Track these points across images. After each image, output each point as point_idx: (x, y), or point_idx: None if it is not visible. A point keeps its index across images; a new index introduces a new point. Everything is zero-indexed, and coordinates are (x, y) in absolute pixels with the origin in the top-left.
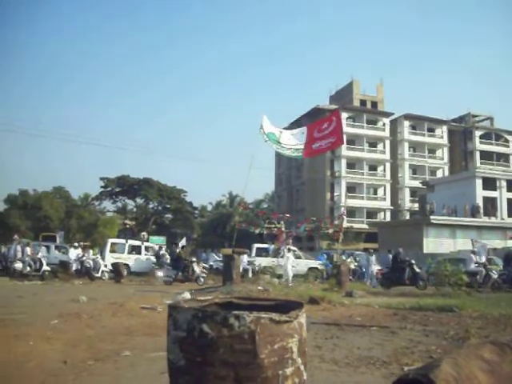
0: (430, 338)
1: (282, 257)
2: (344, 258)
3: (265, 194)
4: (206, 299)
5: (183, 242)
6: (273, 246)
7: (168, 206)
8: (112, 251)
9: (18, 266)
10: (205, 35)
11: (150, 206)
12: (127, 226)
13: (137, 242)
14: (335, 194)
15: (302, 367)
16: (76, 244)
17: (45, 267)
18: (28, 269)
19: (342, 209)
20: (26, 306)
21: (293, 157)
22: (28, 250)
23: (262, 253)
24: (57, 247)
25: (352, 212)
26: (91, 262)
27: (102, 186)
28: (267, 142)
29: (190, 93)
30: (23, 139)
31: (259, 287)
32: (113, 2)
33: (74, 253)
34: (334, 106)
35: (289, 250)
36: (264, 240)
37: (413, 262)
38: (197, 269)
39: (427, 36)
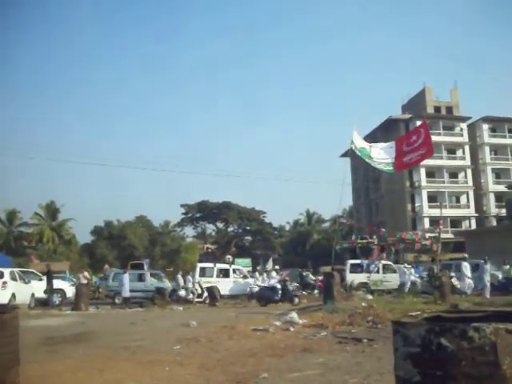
0: None
1: (376, 272)
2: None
3: (342, 210)
4: (414, 315)
5: (270, 263)
6: (366, 261)
7: (248, 228)
8: (201, 275)
9: (182, 293)
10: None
11: (230, 229)
12: (209, 250)
13: (225, 265)
14: (416, 204)
15: None
16: (181, 272)
17: (206, 293)
18: (191, 295)
19: (440, 220)
20: (141, 332)
21: (385, 171)
22: (190, 278)
23: (356, 269)
24: (152, 274)
25: (435, 222)
26: (189, 287)
27: (183, 213)
28: (359, 157)
29: (263, 116)
30: (106, 171)
31: (363, 304)
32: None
33: (180, 280)
34: (407, 116)
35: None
36: (357, 255)
37: None
38: (290, 288)
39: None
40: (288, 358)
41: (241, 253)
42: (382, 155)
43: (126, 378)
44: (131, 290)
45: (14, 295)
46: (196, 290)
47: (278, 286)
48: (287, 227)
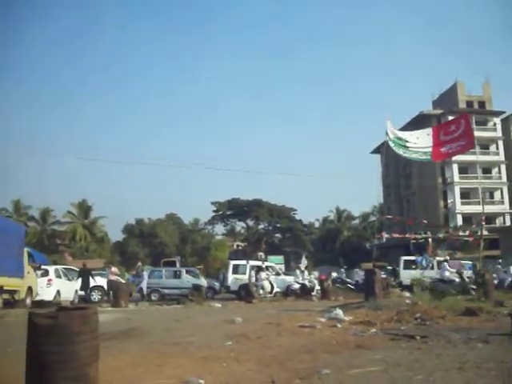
0: None
1: (431, 268)
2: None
3: (372, 207)
4: None
5: (303, 260)
6: (420, 258)
7: (278, 225)
8: (234, 272)
9: (253, 289)
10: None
11: (260, 226)
12: (239, 248)
13: (257, 263)
14: (449, 201)
15: None
16: (256, 268)
17: (276, 289)
18: (261, 291)
19: (481, 215)
20: (188, 328)
21: (421, 159)
22: (262, 274)
23: (410, 265)
24: (187, 271)
25: (468, 219)
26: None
27: (213, 210)
28: (393, 148)
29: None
30: (136, 169)
31: (407, 301)
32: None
33: (252, 276)
34: (438, 111)
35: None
36: (411, 252)
37: None
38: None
39: None
40: (344, 354)
41: (271, 250)
42: (418, 143)
43: (187, 374)
44: (167, 287)
45: (58, 292)
46: (267, 286)
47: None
48: (316, 224)
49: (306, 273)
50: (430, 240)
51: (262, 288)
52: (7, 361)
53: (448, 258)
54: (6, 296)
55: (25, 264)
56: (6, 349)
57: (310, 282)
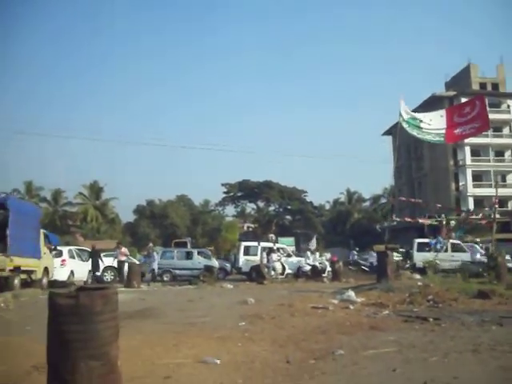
0: None
1: (445, 251)
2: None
3: (383, 189)
4: None
5: (313, 242)
6: (434, 241)
7: (289, 207)
8: (245, 254)
9: (264, 270)
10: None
11: (271, 208)
12: (249, 229)
13: (269, 244)
14: (460, 183)
15: None
16: (267, 250)
17: (287, 271)
18: (272, 273)
19: (494, 198)
20: (202, 309)
21: (434, 141)
22: (274, 256)
23: (424, 248)
24: (199, 252)
25: (480, 201)
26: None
27: (224, 192)
28: (406, 128)
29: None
30: (147, 151)
31: (419, 283)
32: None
33: (264, 257)
34: (451, 93)
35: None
36: (425, 234)
37: None
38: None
39: None
40: (358, 335)
41: (281, 232)
42: (432, 124)
43: (203, 353)
44: (179, 268)
45: (72, 272)
46: (279, 267)
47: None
48: (327, 206)
49: (318, 254)
50: (444, 222)
51: (274, 269)
52: (26, 339)
53: (478, 240)
54: (23, 276)
55: (41, 245)
56: (25, 327)
57: (320, 263)
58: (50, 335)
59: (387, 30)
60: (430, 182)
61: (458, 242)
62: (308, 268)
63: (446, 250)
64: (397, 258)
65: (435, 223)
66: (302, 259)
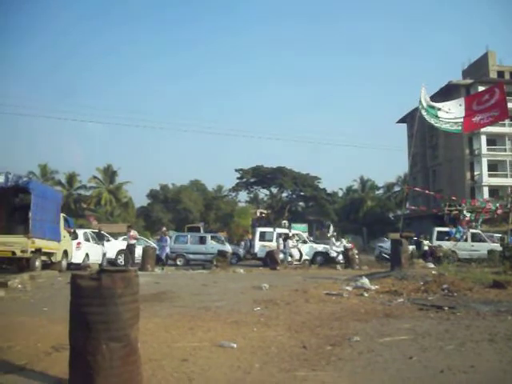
0: None
1: (465, 240)
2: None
3: (397, 177)
4: None
5: (331, 229)
6: (454, 230)
7: (302, 193)
8: (261, 239)
9: (281, 256)
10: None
11: (284, 194)
12: (262, 215)
13: (284, 230)
14: (475, 173)
15: None
16: (283, 236)
17: (304, 257)
18: (289, 258)
19: (510, 188)
20: (216, 293)
21: (451, 131)
22: (290, 242)
23: (443, 237)
24: (212, 237)
25: (495, 191)
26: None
27: (237, 177)
28: (425, 116)
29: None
30: (161, 135)
31: (433, 272)
32: None
33: (281, 243)
34: (468, 81)
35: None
36: (445, 223)
37: None
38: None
39: None
40: (373, 323)
41: (294, 218)
42: (450, 113)
43: (218, 337)
44: (192, 253)
45: (87, 255)
46: (296, 253)
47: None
48: (340, 193)
49: (343, 241)
50: (464, 212)
51: (291, 255)
52: (43, 320)
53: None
54: (44, 258)
55: (61, 228)
56: (42, 308)
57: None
58: (72, 317)
59: (405, 17)
60: (445, 170)
61: (479, 231)
62: (335, 254)
63: (466, 240)
64: (426, 248)
65: (455, 212)
66: (320, 245)
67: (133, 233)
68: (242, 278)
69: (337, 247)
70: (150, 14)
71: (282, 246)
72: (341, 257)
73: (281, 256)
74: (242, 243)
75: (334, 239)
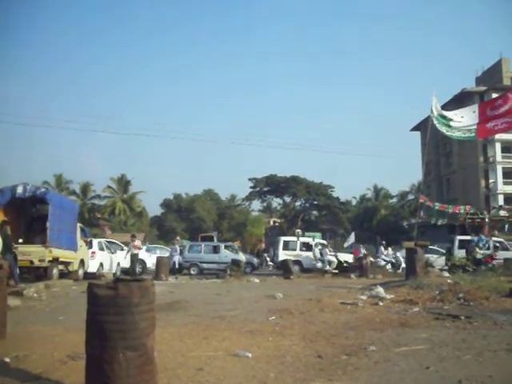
0: None
1: (487, 249)
2: None
3: (411, 185)
4: None
5: (352, 237)
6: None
7: (316, 202)
8: (284, 249)
9: (319, 264)
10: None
11: (297, 203)
12: (276, 224)
13: (307, 240)
14: (490, 181)
15: None
16: (320, 246)
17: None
18: (328, 267)
19: None
20: (230, 302)
21: (464, 138)
22: (327, 251)
23: (465, 245)
24: (226, 246)
25: (510, 199)
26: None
27: (251, 187)
28: (436, 125)
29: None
30: (174, 144)
31: (448, 280)
32: None
33: (317, 252)
34: (482, 88)
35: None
36: (466, 231)
37: None
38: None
39: None
40: (389, 332)
41: (307, 227)
42: (463, 121)
43: (233, 346)
44: (206, 262)
45: (101, 264)
46: (332, 261)
47: None
48: (354, 202)
49: (390, 250)
50: (486, 220)
51: (329, 263)
52: (59, 329)
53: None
54: (61, 267)
55: (78, 238)
56: (57, 317)
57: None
58: (89, 325)
59: (419, 24)
60: (459, 178)
61: (502, 239)
62: (383, 263)
63: (489, 248)
64: (479, 256)
65: (478, 220)
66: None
67: (137, 242)
68: (255, 287)
69: (385, 256)
70: (150, 14)
71: (318, 255)
72: (389, 266)
73: (319, 264)
74: (265, 254)
75: (382, 247)
